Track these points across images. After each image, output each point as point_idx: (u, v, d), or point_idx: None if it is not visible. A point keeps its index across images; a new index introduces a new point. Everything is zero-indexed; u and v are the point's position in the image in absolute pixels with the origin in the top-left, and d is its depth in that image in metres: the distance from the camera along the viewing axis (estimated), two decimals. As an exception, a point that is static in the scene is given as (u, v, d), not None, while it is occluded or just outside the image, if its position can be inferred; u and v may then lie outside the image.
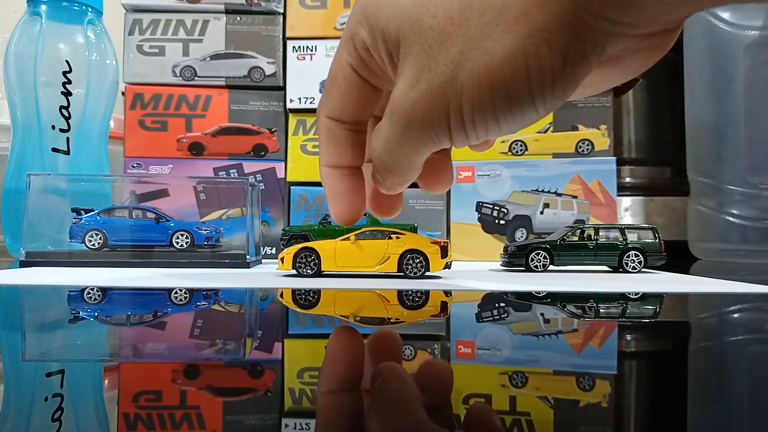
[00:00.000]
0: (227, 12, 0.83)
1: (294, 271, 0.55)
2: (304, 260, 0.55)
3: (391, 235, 0.55)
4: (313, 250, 0.55)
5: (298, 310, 0.37)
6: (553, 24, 0.23)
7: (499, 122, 0.26)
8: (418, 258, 0.54)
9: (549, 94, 0.25)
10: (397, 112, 0.29)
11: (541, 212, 0.82)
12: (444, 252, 0.55)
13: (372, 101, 0.38)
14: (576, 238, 0.66)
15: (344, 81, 0.35)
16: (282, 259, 0.56)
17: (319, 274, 0.55)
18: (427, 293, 0.43)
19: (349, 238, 0.55)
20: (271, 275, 0.57)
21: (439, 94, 0.27)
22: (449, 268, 0.56)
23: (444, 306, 0.39)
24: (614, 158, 0.82)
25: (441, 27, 0.26)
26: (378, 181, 0.36)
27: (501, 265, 0.68)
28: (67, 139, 0.76)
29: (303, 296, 0.42)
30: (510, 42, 0.24)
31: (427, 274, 0.55)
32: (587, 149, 0.83)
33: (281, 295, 0.38)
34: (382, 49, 0.30)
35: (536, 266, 0.64)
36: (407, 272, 0.54)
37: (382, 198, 0.40)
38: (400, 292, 0.43)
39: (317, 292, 0.43)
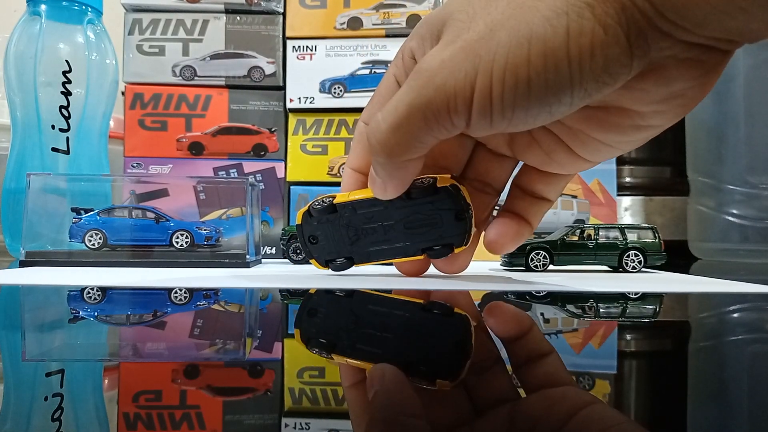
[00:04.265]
0: (227, 12, 0.83)
1: (294, 271, 0.55)
2: (320, 204, 0.48)
3: None
4: (331, 198, 0.50)
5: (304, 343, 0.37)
6: None
7: (531, 87, 0.25)
8: None
9: (586, 64, 0.24)
10: (421, 68, 0.28)
11: (541, 212, 0.82)
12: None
13: None
14: (576, 238, 0.66)
15: (385, 90, 0.37)
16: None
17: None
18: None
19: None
20: (272, 275, 0.57)
21: (471, 50, 0.26)
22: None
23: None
24: (614, 158, 0.82)
25: None
26: (372, 176, 0.36)
27: (501, 265, 0.68)
28: (67, 138, 0.76)
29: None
30: (555, 2, 0.24)
31: (435, 273, 0.55)
32: (587, 149, 0.83)
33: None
34: (427, 40, 0.30)
35: (536, 266, 0.64)
36: None
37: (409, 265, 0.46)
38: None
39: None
